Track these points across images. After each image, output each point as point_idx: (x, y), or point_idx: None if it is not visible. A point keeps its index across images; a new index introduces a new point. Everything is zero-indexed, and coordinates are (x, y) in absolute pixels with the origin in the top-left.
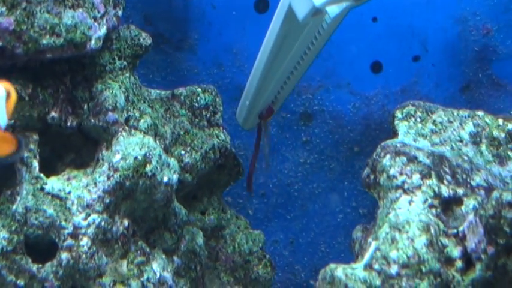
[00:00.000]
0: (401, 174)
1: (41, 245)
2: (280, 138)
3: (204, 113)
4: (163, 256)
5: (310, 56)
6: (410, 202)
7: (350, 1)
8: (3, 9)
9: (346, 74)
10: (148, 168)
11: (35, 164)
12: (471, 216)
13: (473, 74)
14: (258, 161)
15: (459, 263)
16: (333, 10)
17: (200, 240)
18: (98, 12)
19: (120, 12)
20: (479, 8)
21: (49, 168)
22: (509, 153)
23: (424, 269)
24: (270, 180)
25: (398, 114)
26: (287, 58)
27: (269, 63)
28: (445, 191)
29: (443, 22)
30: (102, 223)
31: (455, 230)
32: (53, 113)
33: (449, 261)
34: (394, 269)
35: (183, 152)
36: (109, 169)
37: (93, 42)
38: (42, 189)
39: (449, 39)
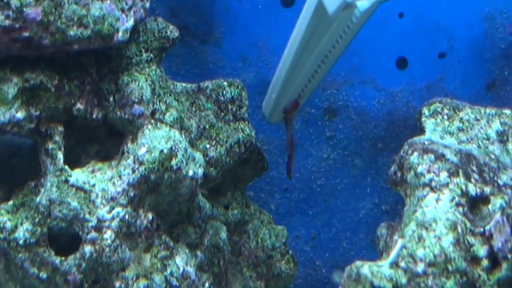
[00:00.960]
0: (428, 172)
1: (64, 238)
2: (304, 134)
3: (229, 107)
4: (187, 250)
5: (338, 50)
6: (437, 200)
7: None
8: None
9: (371, 69)
10: (173, 161)
11: (60, 155)
12: (498, 215)
13: (499, 71)
14: (278, 156)
15: (485, 262)
16: (362, 4)
17: (223, 234)
18: (126, 4)
19: (147, 4)
20: (506, 6)
21: (74, 160)
22: None
23: (450, 268)
24: (293, 175)
25: (426, 111)
26: (315, 52)
27: (297, 56)
28: (472, 189)
29: (469, 19)
30: (126, 216)
31: (481, 229)
32: (78, 105)
33: (475, 260)
34: (420, 268)
35: (208, 146)
36: (134, 162)
37: (120, 34)
38: (66, 181)
39: (475, 37)
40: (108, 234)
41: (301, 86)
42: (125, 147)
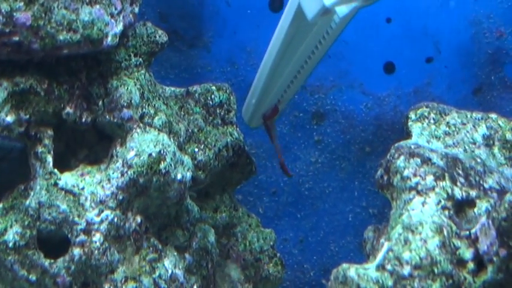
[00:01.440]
0: (415, 175)
1: (53, 240)
2: (292, 137)
3: (218, 111)
4: (175, 253)
5: (317, 55)
6: (423, 203)
7: (359, 1)
8: (21, 4)
9: (359, 74)
10: (162, 165)
11: (49, 159)
12: (484, 219)
13: (486, 76)
14: (266, 160)
15: (471, 265)
16: (341, 10)
17: (212, 237)
18: (115, 9)
19: (136, 9)
20: (493, 11)
21: (63, 163)
22: None
23: (436, 271)
24: (281, 178)
25: (412, 115)
26: (294, 57)
27: (276, 61)
28: (458, 193)
29: (457, 24)
30: (115, 219)
31: (467, 232)
32: (68, 109)
33: (461, 263)
34: (406, 270)
35: (196, 150)
36: (123, 166)
37: (109, 38)
38: (55, 184)
39: (462, 42)
40: (97, 237)
41: (281, 91)
42: (114, 151)
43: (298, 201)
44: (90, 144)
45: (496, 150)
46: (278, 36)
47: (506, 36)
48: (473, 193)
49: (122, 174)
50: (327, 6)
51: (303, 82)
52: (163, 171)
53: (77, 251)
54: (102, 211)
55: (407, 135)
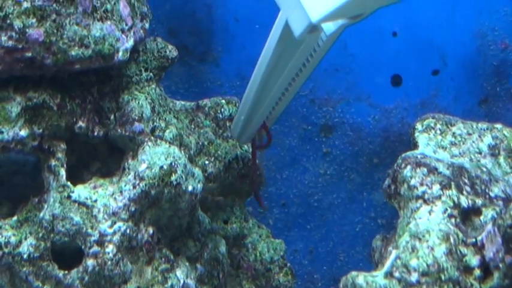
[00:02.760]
0: (421, 184)
1: (67, 252)
2: (301, 150)
3: (227, 124)
4: (187, 264)
5: (306, 72)
6: (430, 212)
7: (346, 20)
8: (33, 20)
9: (366, 87)
10: (173, 177)
11: (62, 172)
12: (489, 226)
13: (491, 88)
14: (276, 172)
15: (477, 272)
16: (328, 28)
17: (223, 248)
18: (126, 24)
19: (147, 25)
20: (498, 23)
21: (76, 176)
22: None
23: (443, 277)
24: (291, 190)
25: (419, 126)
26: (283, 74)
27: (265, 78)
28: (464, 201)
29: (462, 37)
30: (128, 231)
31: (473, 240)
32: (80, 123)
33: (467, 269)
34: (414, 277)
35: (207, 162)
36: (135, 178)
37: (120, 54)
38: (69, 197)
39: (468, 54)
40: (110, 248)
41: (270, 108)
42: (126, 164)
43: (308, 213)
44: (102, 157)
45: (501, 159)
46: (266, 53)
47: (511, 48)
48: (479, 201)
49: (134, 187)
50: (314, 23)
51: (291, 99)
52: (175, 183)
53: (90, 262)
54: (115, 223)
55: (414, 145)
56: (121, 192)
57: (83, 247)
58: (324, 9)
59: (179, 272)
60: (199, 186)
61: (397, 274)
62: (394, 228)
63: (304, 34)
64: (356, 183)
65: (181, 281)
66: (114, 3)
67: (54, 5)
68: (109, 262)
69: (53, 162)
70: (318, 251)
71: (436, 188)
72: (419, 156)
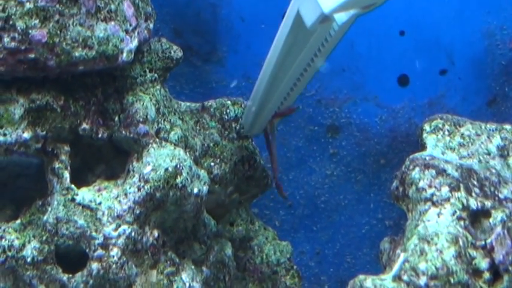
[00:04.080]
0: (430, 186)
1: (71, 255)
2: (308, 151)
3: (233, 125)
4: (193, 266)
5: (316, 63)
6: (439, 214)
7: (358, 9)
8: (36, 21)
9: (373, 87)
10: (178, 179)
11: (66, 175)
12: (499, 229)
13: (500, 87)
14: (282, 173)
15: (487, 275)
16: (340, 17)
17: (229, 251)
18: (130, 25)
19: (151, 25)
20: (506, 22)
21: (80, 179)
22: None
23: (452, 281)
24: (297, 191)
25: (427, 127)
26: (294, 65)
27: (276, 69)
28: (473, 203)
29: (470, 36)
30: (133, 234)
31: (483, 242)
32: (84, 125)
33: (477, 272)
34: (422, 281)
35: (212, 164)
36: (140, 180)
37: (124, 54)
38: (73, 200)
39: (476, 53)
40: (115, 251)
41: (280, 99)
42: (131, 166)
43: (314, 214)
44: (106, 160)
45: (510, 160)
46: (277, 44)
47: None
48: (488, 203)
49: (139, 189)
50: (326, 14)
51: (302, 89)
52: (180, 185)
53: (95, 266)
54: (120, 226)
55: (422, 147)
56: (126, 194)
57: (87, 250)
58: (337, 0)
59: (185, 275)
60: (205, 188)
61: (405, 277)
62: (401, 230)
63: (316, 24)
64: (363, 184)
65: (187, 284)
66: (118, 4)
67: (57, 6)
68: (114, 265)
69: (57, 165)
70: (324, 252)
71: (445, 190)
72: (427, 158)
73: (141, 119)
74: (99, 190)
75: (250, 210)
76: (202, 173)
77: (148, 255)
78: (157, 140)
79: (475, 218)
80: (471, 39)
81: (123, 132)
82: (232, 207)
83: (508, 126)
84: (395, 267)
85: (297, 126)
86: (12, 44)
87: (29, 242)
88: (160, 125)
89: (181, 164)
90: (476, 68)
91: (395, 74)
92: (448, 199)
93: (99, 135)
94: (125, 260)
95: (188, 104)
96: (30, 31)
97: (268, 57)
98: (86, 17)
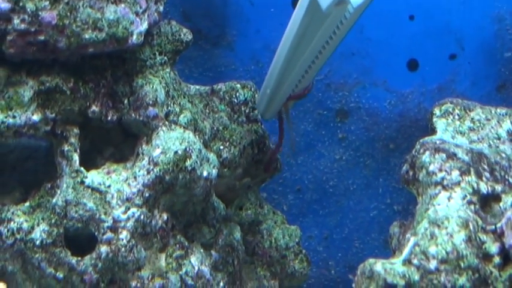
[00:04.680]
0: (440, 170)
1: (80, 238)
2: (316, 135)
3: (243, 109)
4: (202, 250)
5: (331, 46)
6: (449, 198)
7: None
8: (46, 3)
9: (382, 71)
10: (188, 162)
11: (76, 157)
12: (509, 213)
13: (510, 72)
14: (291, 157)
15: (497, 259)
16: (355, 0)
17: (238, 234)
18: (140, 7)
19: (161, 8)
20: None
21: (89, 162)
22: None
23: (462, 265)
24: (306, 176)
25: (437, 111)
26: (308, 48)
27: (291, 52)
28: (484, 187)
29: (480, 21)
30: (142, 217)
31: (493, 227)
32: (93, 107)
33: (487, 257)
34: (433, 264)
35: (221, 147)
36: (149, 163)
37: (134, 37)
38: (82, 182)
39: (485, 38)
40: (124, 235)
41: (295, 82)
42: (140, 149)
43: (323, 199)
44: (115, 142)
45: None
46: (292, 27)
47: None
48: (498, 188)
49: (148, 172)
50: None
51: (317, 73)
52: (189, 168)
53: (103, 249)
54: (129, 208)
55: (432, 131)
56: (135, 177)
57: (96, 233)
58: None
59: (193, 259)
60: (214, 171)
61: (415, 261)
62: (410, 215)
63: (331, 7)
64: (372, 169)
65: (196, 268)
66: None
67: None
68: (123, 249)
69: (66, 147)
70: (332, 237)
71: (455, 174)
72: (437, 142)
73: (150, 102)
74: (108, 173)
75: (259, 194)
76: (212, 156)
77: (157, 238)
78: (166, 122)
79: (485, 202)
80: (481, 24)
81: (133, 115)
82: (244, 192)
83: None
84: (406, 251)
85: (306, 110)
86: (22, 26)
87: (38, 225)
88: (169, 107)
89: (190, 147)
90: (485, 53)
91: (404, 58)
92: (458, 183)
93: (109, 118)
94: (134, 243)
95: (197, 87)
96: (40, 13)
97: (283, 40)
98: None
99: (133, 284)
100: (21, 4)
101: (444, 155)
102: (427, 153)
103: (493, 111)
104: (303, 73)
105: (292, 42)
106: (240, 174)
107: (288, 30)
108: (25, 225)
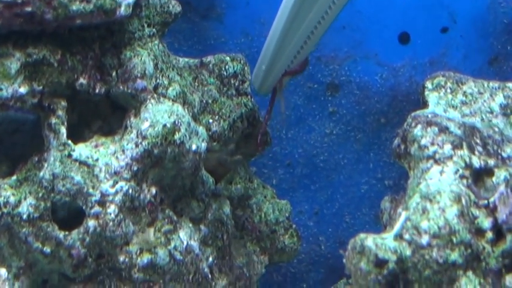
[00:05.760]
0: (432, 144)
1: (68, 212)
2: (307, 109)
3: (232, 82)
4: (190, 225)
5: (327, 21)
6: (441, 172)
7: None
8: None
9: (373, 44)
10: (177, 136)
11: (63, 130)
12: (502, 188)
13: (502, 46)
14: (281, 131)
15: (490, 234)
16: None
17: (227, 209)
18: None
19: None
20: None
21: (77, 135)
22: None
23: (454, 240)
24: (296, 150)
25: (429, 84)
26: (304, 23)
27: (286, 27)
28: (476, 161)
29: None
30: (130, 191)
31: (486, 201)
32: (81, 80)
33: (479, 232)
34: (424, 239)
35: (211, 121)
36: (137, 136)
37: (122, 8)
38: (69, 156)
39: (478, 11)
40: (112, 209)
41: (291, 57)
42: (128, 122)
43: (313, 173)
44: (104, 115)
45: None
46: (287, 2)
47: None
48: (491, 162)
49: (137, 145)
50: None
51: (312, 48)
52: (178, 141)
53: (91, 223)
54: (117, 182)
55: (424, 104)
56: (123, 151)
57: (83, 207)
58: None
59: (182, 233)
60: (204, 145)
61: (407, 236)
62: (401, 190)
63: None
64: (363, 143)
65: (185, 243)
66: None
67: None
68: (110, 223)
69: (53, 120)
70: (323, 212)
71: (448, 147)
72: (429, 115)
73: (139, 74)
74: (96, 146)
75: (248, 169)
76: (201, 129)
77: (145, 212)
78: (155, 95)
79: (478, 176)
80: None
81: (121, 87)
82: (235, 167)
83: (511, 85)
84: (397, 226)
85: (296, 84)
86: None
87: (25, 199)
88: (158, 80)
89: (179, 120)
90: (478, 26)
91: (396, 31)
92: (450, 157)
93: (97, 91)
94: (122, 218)
95: (186, 59)
96: None
97: (278, 15)
98: None
99: (122, 258)
100: None
101: (436, 129)
102: (419, 126)
103: (485, 85)
104: (298, 48)
105: (287, 17)
106: (232, 149)
107: (283, 5)
108: (12, 199)
